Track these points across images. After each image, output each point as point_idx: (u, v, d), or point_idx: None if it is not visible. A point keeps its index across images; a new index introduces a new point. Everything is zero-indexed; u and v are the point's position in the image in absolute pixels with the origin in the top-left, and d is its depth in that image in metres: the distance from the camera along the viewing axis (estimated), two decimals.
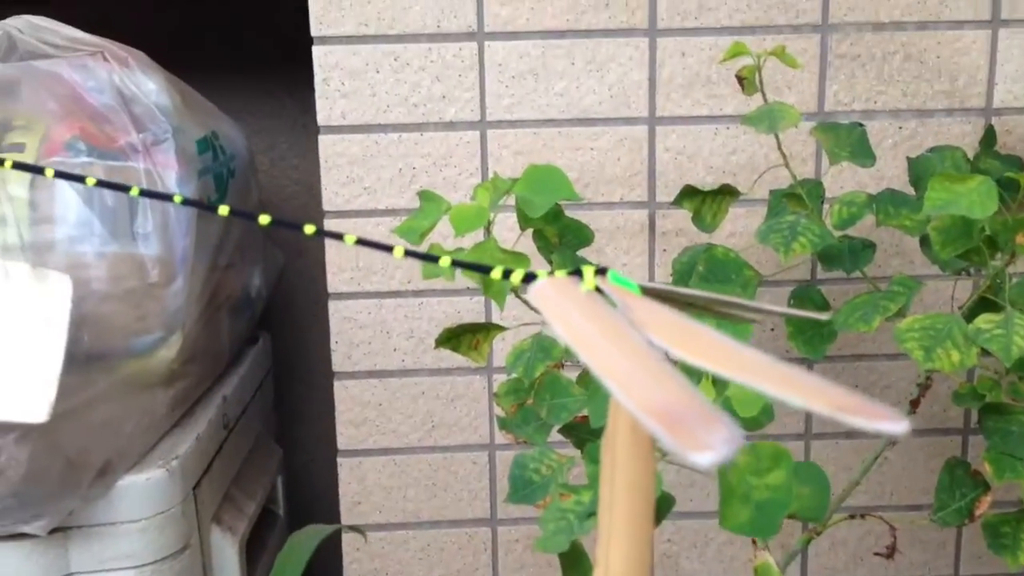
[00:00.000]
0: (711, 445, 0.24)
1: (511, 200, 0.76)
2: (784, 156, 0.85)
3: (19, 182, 0.88)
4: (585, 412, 0.70)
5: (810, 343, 0.87)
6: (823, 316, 0.44)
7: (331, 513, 1.06)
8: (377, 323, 1.00)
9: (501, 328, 0.80)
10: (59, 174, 0.43)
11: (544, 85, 0.97)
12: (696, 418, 0.25)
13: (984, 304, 0.78)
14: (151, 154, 0.93)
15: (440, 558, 1.04)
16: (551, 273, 0.36)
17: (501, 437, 1.02)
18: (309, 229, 0.37)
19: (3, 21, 0.94)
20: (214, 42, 1.33)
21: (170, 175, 0.93)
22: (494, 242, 0.68)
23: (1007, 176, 0.77)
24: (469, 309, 1.00)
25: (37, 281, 0.84)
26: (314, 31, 0.95)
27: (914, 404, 0.84)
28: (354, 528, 0.82)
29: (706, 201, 0.90)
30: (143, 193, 0.50)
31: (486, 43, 0.96)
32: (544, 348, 0.71)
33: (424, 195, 0.75)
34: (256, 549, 1.05)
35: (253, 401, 1.13)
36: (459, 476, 1.03)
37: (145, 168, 0.91)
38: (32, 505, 0.83)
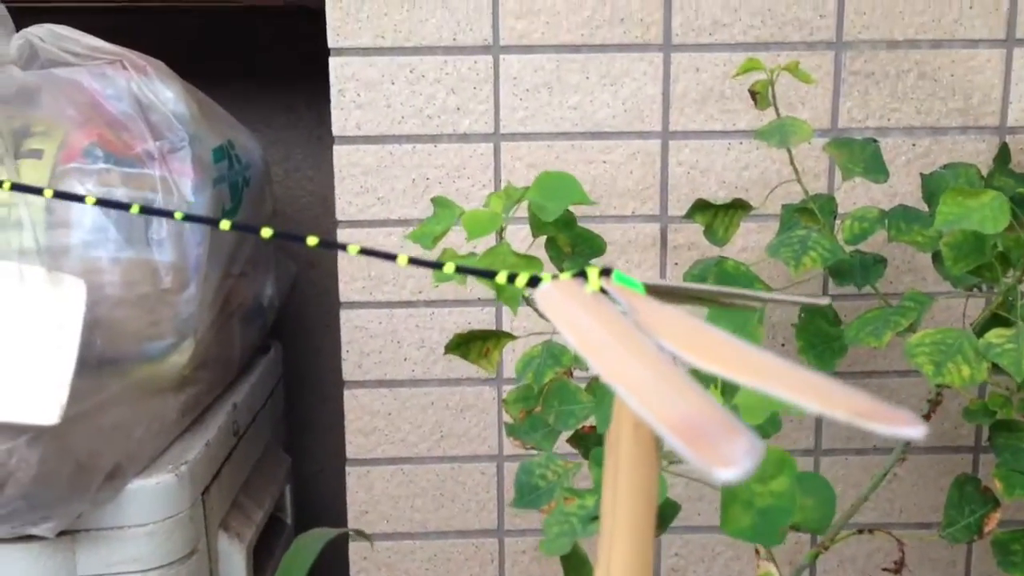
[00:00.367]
0: (734, 459, 0.23)
1: (524, 212, 0.77)
2: (796, 171, 0.85)
3: None
4: (592, 420, 0.70)
5: (821, 357, 0.86)
6: (822, 301, 0.44)
7: (339, 522, 1.05)
8: (388, 332, 1.01)
9: (511, 336, 0.81)
10: (58, 194, 0.43)
11: (558, 98, 0.98)
12: (717, 430, 0.25)
13: (996, 321, 0.78)
14: (167, 161, 0.94)
15: (447, 568, 1.04)
16: (556, 278, 0.36)
17: (510, 448, 1.02)
18: (312, 240, 0.37)
19: (26, 29, 0.95)
20: (232, 54, 1.34)
21: (186, 183, 0.94)
22: (507, 245, 0.68)
23: (1020, 193, 0.77)
24: (480, 320, 1.01)
25: (52, 285, 0.85)
26: (331, 42, 0.96)
27: (925, 418, 0.84)
28: (359, 533, 0.82)
29: (718, 215, 0.90)
30: (143, 211, 0.50)
31: (501, 56, 0.97)
32: (554, 355, 0.71)
33: (437, 201, 0.75)
34: (263, 557, 1.05)
35: (263, 409, 1.13)
36: (467, 487, 1.03)
37: (161, 175, 0.92)
38: (41, 507, 0.83)
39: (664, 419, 0.25)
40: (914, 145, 0.99)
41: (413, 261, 0.36)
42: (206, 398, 0.99)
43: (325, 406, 1.39)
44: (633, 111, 0.98)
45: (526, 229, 0.78)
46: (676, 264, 1.00)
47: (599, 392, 0.67)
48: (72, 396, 0.79)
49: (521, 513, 1.04)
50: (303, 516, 1.26)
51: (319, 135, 1.39)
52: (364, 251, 0.36)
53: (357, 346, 1.01)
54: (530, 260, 0.68)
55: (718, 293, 0.35)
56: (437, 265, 0.36)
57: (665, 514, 0.65)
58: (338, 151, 0.98)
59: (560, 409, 0.68)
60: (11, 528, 0.82)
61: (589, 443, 0.77)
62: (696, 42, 0.97)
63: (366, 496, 1.03)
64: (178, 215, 0.52)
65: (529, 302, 0.80)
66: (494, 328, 1.00)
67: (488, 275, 0.35)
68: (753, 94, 0.84)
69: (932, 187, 0.86)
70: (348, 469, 1.03)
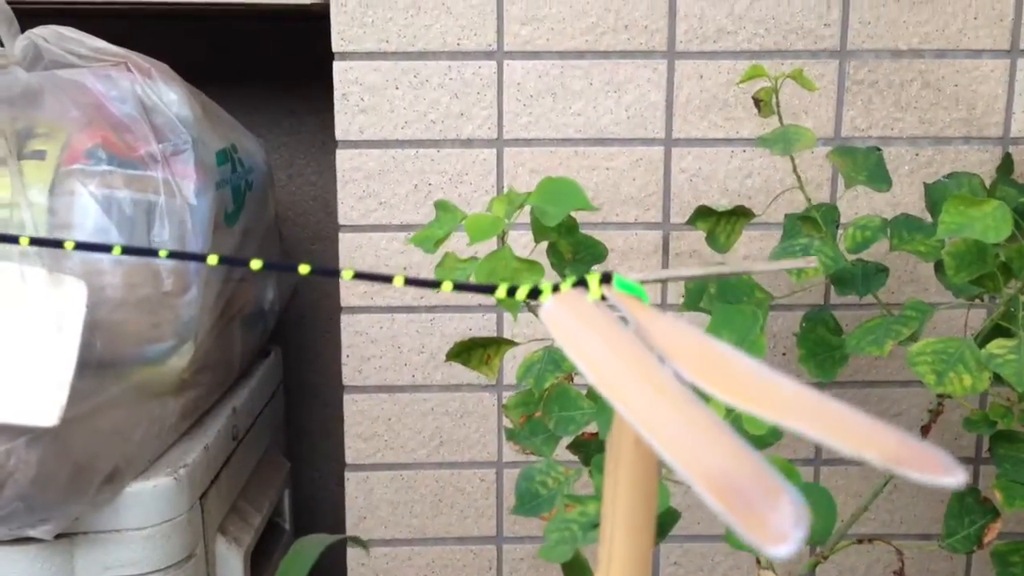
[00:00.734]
0: (783, 531, 0.21)
1: (526, 219, 0.76)
2: (799, 179, 0.85)
3: (39, 188, 0.89)
4: (593, 428, 0.70)
5: (822, 366, 0.86)
6: (809, 263, 0.43)
7: (337, 528, 1.05)
8: (388, 338, 1.00)
9: (512, 343, 0.80)
10: (80, 245, 0.42)
11: (562, 105, 0.98)
12: (758, 492, 0.22)
13: (998, 331, 0.77)
14: (170, 164, 0.94)
15: (445, 575, 1.04)
16: (556, 287, 0.36)
17: (509, 455, 1.02)
18: (304, 269, 0.37)
19: (30, 31, 0.95)
20: (237, 58, 1.34)
21: (188, 185, 0.94)
22: (509, 250, 0.68)
23: (1022, 203, 0.77)
24: (481, 326, 1.00)
25: (53, 286, 0.85)
26: (335, 47, 0.96)
27: (925, 430, 0.84)
28: (356, 540, 0.82)
29: (720, 222, 0.90)
30: (126, 251, 0.49)
31: (505, 62, 0.97)
32: (554, 360, 0.71)
33: (440, 205, 0.75)
34: (261, 562, 1.05)
35: (263, 414, 1.13)
36: (466, 493, 1.03)
37: (164, 178, 0.92)
38: (39, 509, 0.83)
39: (700, 477, 0.23)
40: (917, 155, 0.98)
41: (409, 282, 0.36)
42: (205, 402, 0.99)
43: (325, 412, 1.39)
44: (636, 118, 0.98)
45: (528, 235, 0.78)
46: None
47: (600, 398, 0.67)
48: (71, 398, 0.79)
49: (520, 520, 1.03)
50: (302, 522, 1.26)
51: (323, 140, 1.39)
52: (359, 275, 0.35)
53: (357, 351, 1.01)
54: (532, 265, 0.68)
55: (707, 275, 0.35)
56: (435, 284, 0.36)
57: (665, 522, 0.65)
58: (341, 155, 0.98)
59: (560, 415, 0.67)
60: (9, 530, 0.82)
61: (590, 450, 0.76)
62: (700, 50, 0.97)
63: (365, 502, 1.03)
64: (162, 253, 0.49)
65: (530, 307, 0.80)
66: (495, 334, 1.00)
67: (487, 290, 0.35)
68: (757, 101, 0.84)
69: (935, 196, 0.86)
70: (347, 474, 1.02)
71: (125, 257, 0.90)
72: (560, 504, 0.63)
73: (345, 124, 0.98)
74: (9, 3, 0.96)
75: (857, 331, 0.81)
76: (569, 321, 0.33)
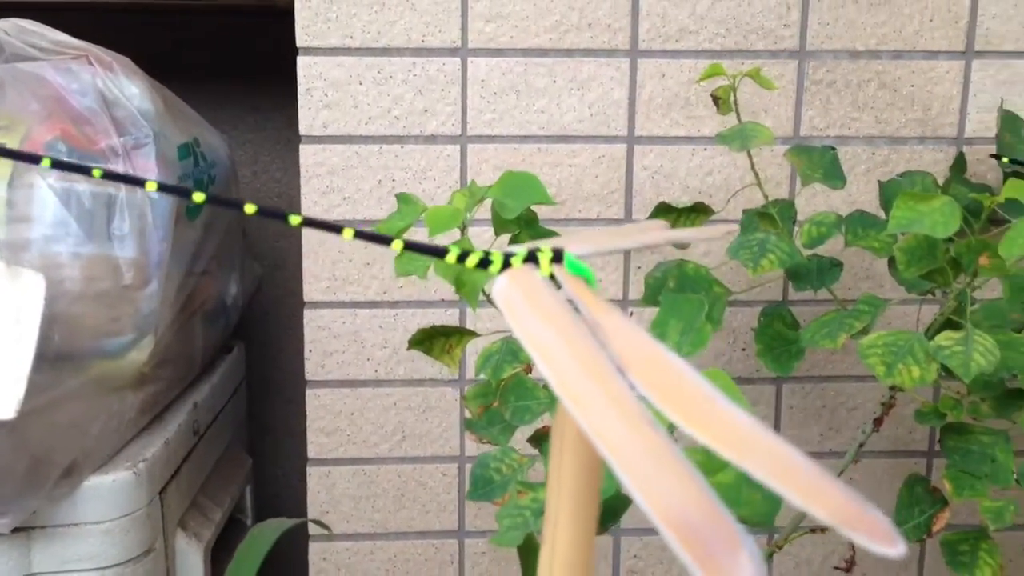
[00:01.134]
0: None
1: (488, 215, 0.77)
2: (756, 176, 0.87)
3: None
4: (549, 418, 0.70)
5: (778, 360, 0.88)
6: (731, 228, 0.44)
7: (299, 525, 1.05)
8: (351, 333, 1.01)
9: (473, 334, 0.81)
10: (108, 175, 0.43)
11: (525, 102, 0.98)
12: (716, 537, 0.22)
13: (949, 326, 0.79)
14: (131, 157, 0.94)
15: (406, 569, 1.04)
16: (508, 258, 0.36)
17: (471, 449, 1.03)
18: (250, 208, 0.37)
19: None
20: (202, 56, 1.34)
21: (150, 179, 0.94)
22: (468, 243, 0.68)
23: (974, 200, 0.79)
24: (444, 320, 1.01)
25: (11, 279, 0.85)
26: (299, 42, 0.96)
27: (877, 422, 0.85)
28: (317, 523, 0.82)
29: (680, 218, 0.91)
30: (162, 188, 0.49)
31: (469, 59, 0.98)
32: (512, 351, 0.72)
33: (401, 197, 0.76)
34: (223, 557, 1.04)
35: (225, 410, 1.12)
36: (428, 487, 1.03)
37: (124, 171, 0.92)
38: None
39: (660, 512, 0.23)
40: (873, 154, 1.00)
41: (359, 234, 0.36)
42: (166, 396, 0.98)
43: (289, 408, 1.38)
44: (599, 115, 0.99)
45: (490, 231, 0.78)
46: (639, 268, 1.01)
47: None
48: (29, 391, 0.78)
49: (481, 514, 1.04)
50: (263, 517, 1.25)
51: (288, 137, 1.39)
52: (307, 221, 0.36)
53: (320, 346, 1.01)
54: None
55: (643, 246, 0.36)
56: (386, 240, 0.36)
57: (616, 507, 0.66)
58: (304, 150, 0.99)
59: (516, 404, 0.68)
60: None
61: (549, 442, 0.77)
62: (662, 49, 0.98)
63: (327, 496, 1.03)
64: (150, 185, 0.50)
65: (491, 300, 0.81)
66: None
67: (438, 252, 0.35)
68: (715, 99, 0.85)
69: (889, 194, 0.88)
70: (309, 469, 1.02)
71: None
72: (513, 491, 0.63)
73: (309, 119, 0.98)
74: None
75: (812, 325, 0.82)
76: (522, 306, 0.33)
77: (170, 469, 0.93)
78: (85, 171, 0.40)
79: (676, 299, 0.62)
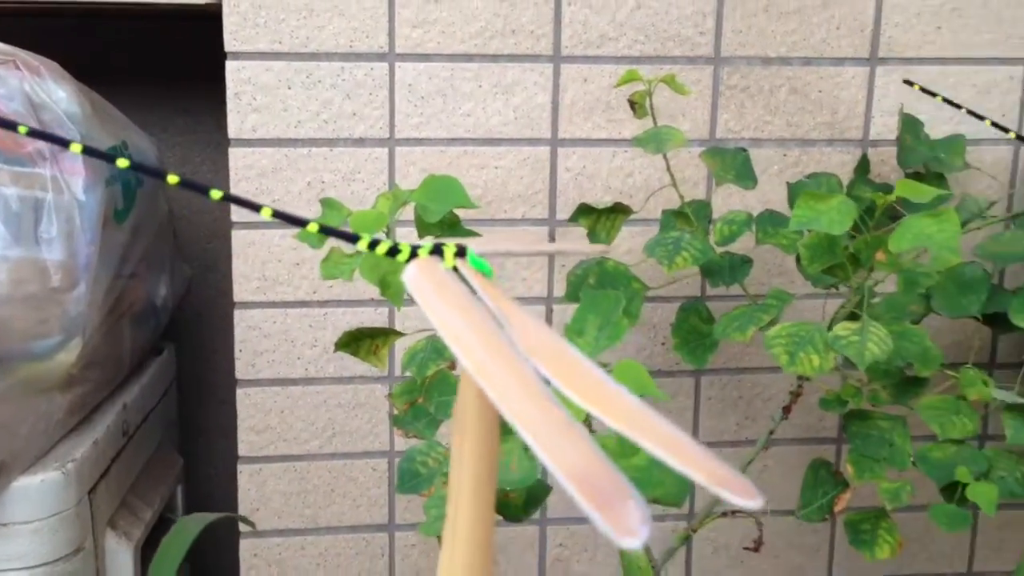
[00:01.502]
0: (634, 528, 0.25)
1: (413, 217, 0.79)
2: (672, 177, 0.90)
3: None
4: None
5: (693, 353, 0.92)
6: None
7: (231, 522, 1.06)
8: (281, 332, 1.02)
9: (399, 334, 0.83)
10: (135, 166, 0.44)
11: (452, 105, 1.01)
12: (613, 492, 0.26)
13: (853, 319, 0.84)
14: (59, 160, 0.94)
15: (337, 563, 1.06)
16: (415, 250, 0.39)
17: (401, 444, 1.05)
18: (172, 179, 0.39)
19: None
20: (131, 59, 1.34)
21: (77, 181, 0.94)
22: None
23: (874, 200, 0.84)
24: (374, 320, 1.03)
25: None
26: (228, 46, 0.98)
27: (786, 410, 0.89)
28: (242, 519, 0.84)
29: (600, 218, 0.94)
30: (133, 167, 0.50)
31: (397, 64, 1.00)
32: (437, 349, 0.74)
33: (326, 202, 0.78)
34: (151, 556, 1.05)
35: (155, 410, 1.13)
36: (358, 483, 1.05)
37: (52, 175, 0.92)
38: None
39: (565, 471, 0.26)
40: (785, 155, 1.05)
41: (277, 214, 0.38)
42: (95, 397, 0.99)
43: (222, 409, 1.39)
44: (524, 119, 1.02)
45: (415, 233, 0.81)
46: (563, 266, 1.04)
47: None
48: None
49: (411, 508, 1.06)
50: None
51: (218, 140, 1.39)
52: (227, 197, 0.38)
53: (250, 345, 1.02)
54: None
55: (540, 252, 0.39)
56: (303, 222, 0.39)
57: (538, 495, 0.69)
58: (234, 153, 1.00)
59: (440, 400, 0.71)
60: None
61: None
62: (584, 54, 1.02)
63: (258, 493, 1.04)
64: (122, 162, 0.51)
65: (415, 301, 0.83)
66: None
67: (351, 238, 0.38)
68: (632, 104, 0.89)
69: (796, 194, 0.92)
70: (240, 467, 1.04)
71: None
72: (439, 482, 0.66)
73: (238, 123, 0.99)
74: None
75: (724, 319, 0.86)
76: (430, 290, 0.36)
77: (99, 469, 0.94)
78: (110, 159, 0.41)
79: (594, 295, 0.65)
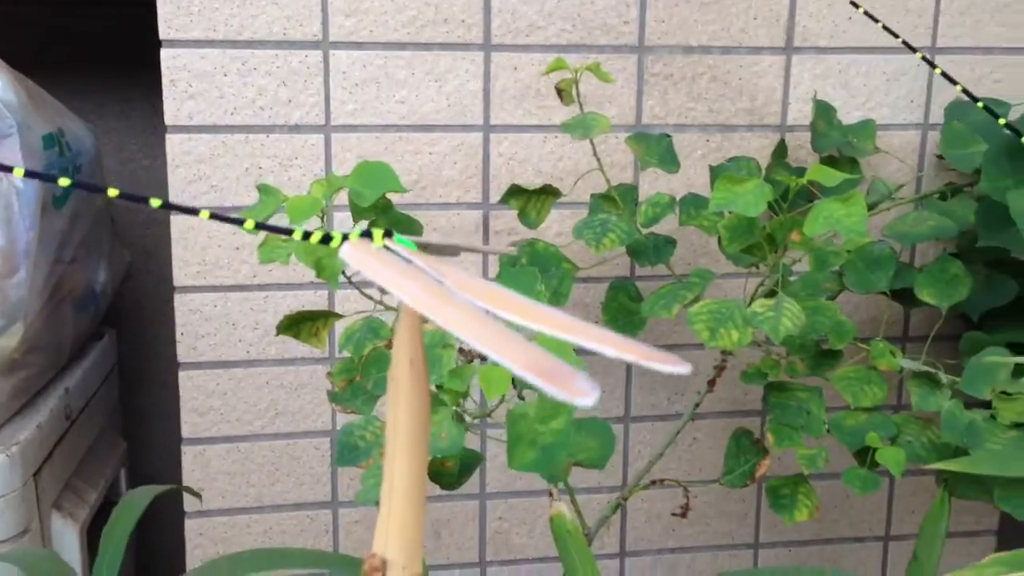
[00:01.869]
0: (585, 390, 0.30)
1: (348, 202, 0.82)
2: (599, 162, 0.94)
3: None
4: None
5: (623, 330, 0.96)
6: (511, 250, 0.51)
7: (175, 503, 1.08)
8: (222, 315, 1.04)
9: (338, 316, 0.86)
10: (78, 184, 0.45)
11: (386, 93, 1.04)
12: (562, 372, 0.31)
13: (771, 296, 0.89)
14: None
15: (282, 540, 1.09)
16: (345, 236, 0.42)
17: (342, 423, 1.08)
18: (112, 192, 0.42)
19: None
20: (66, 46, 1.34)
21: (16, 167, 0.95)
22: (325, 228, 0.74)
23: (789, 183, 0.88)
24: (313, 303, 1.06)
25: None
26: (162, 34, 0.99)
27: (711, 384, 0.94)
28: (188, 490, 0.86)
29: (531, 200, 0.98)
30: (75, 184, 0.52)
31: (331, 52, 1.02)
32: (373, 329, 0.77)
33: (262, 188, 0.80)
34: (98, 539, 1.07)
35: (97, 394, 1.14)
36: (301, 461, 1.08)
37: None
38: None
39: (517, 361, 0.31)
40: (708, 140, 1.10)
41: (214, 216, 0.41)
42: (37, 382, 1.00)
43: (163, 393, 1.40)
44: (456, 106, 1.05)
45: (351, 218, 0.83)
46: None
47: None
48: None
49: (354, 485, 1.09)
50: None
51: (154, 125, 1.40)
52: (166, 205, 0.41)
53: (192, 329, 1.04)
54: None
55: (451, 247, 0.43)
56: (239, 221, 0.41)
57: (469, 463, 0.72)
58: (171, 140, 1.01)
59: (378, 376, 0.74)
60: None
61: None
62: (514, 43, 1.05)
63: (202, 474, 1.06)
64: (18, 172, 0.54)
65: (352, 283, 0.86)
66: (324, 308, 1.06)
67: (285, 231, 0.41)
68: (559, 91, 0.93)
69: (717, 178, 0.97)
70: (184, 448, 1.06)
71: None
72: (376, 454, 0.69)
73: (174, 110, 1.01)
74: None
75: (651, 298, 0.90)
76: (368, 259, 0.40)
77: (43, 452, 0.96)
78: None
79: (513, 272, 0.69)
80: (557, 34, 1.05)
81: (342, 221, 1.01)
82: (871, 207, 1.04)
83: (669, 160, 0.96)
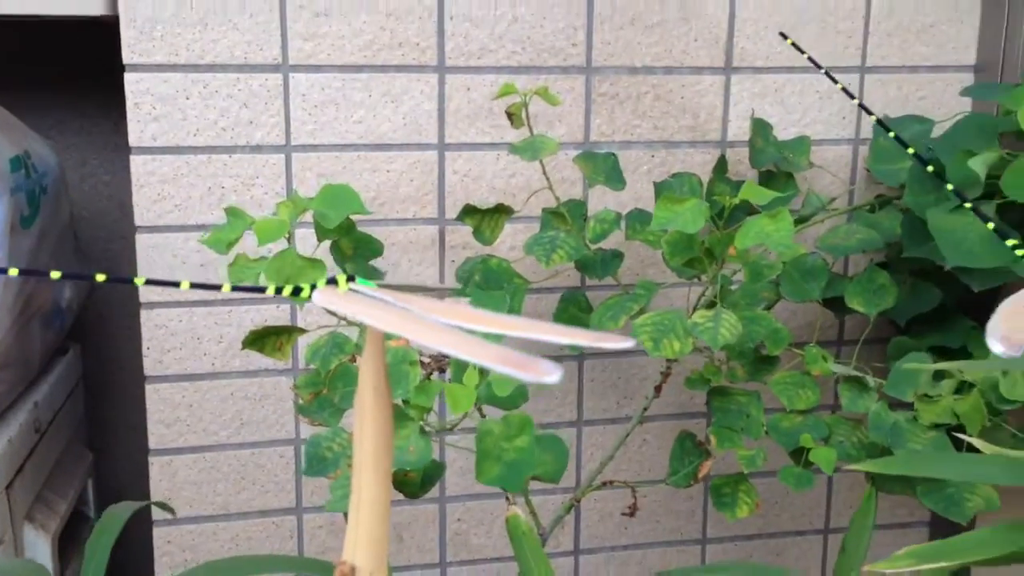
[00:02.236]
0: (550, 371, 0.35)
1: (311, 221, 0.86)
2: (548, 180, 1.00)
3: None
4: None
5: None
6: (448, 287, 0.57)
7: (143, 512, 1.11)
8: (188, 330, 1.08)
9: (302, 331, 0.90)
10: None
11: (344, 113, 1.08)
12: (526, 361, 0.36)
13: (711, 307, 0.94)
14: None
15: (248, 546, 1.13)
16: (314, 286, 0.47)
17: (306, 432, 1.12)
18: (100, 277, 0.46)
19: None
20: (24, 64, 1.36)
21: None
22: (293, 251, 0.78)
23: (724, 203, 0.94)
24: (276, 317, 1.09)
25: None
26: (126, 59, 1.02)
27: (658, 389, 1.00)
28: (162, 505, 0.90)
29: (485, 218, 1.03)
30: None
31: (290, 75, 1.06)
32: (338, 344, 0.82)
33: (230, 211, 0.84)
34: (69, 548, 1.10)
35: (64, 408, 1.17)
36: (266, 470, 1.12)
37: None
38: None
39: (490, 359, 0.37)
40: (653, 156, 1.15)
41: (195, 285, 0.45)
42: (7, 397, 1.03)
43: (127, 405, 1.43)
44: (412, 125, 1.10)
45: (314, 234, 0.88)
46: (453, 262, 1.13)
47: None
48: None
49: (317, 491, 1.13)
50: (106, 508, 1.30)
51: (115, 142, 1.42)
52: (150, 281, 0.45)
53: (158, 343, 1.07)
54: (314, 263, 0.78)
55: (413, 287, 0.47)
56: (216, 287, 0.46)
57: (431, 474, 0.77)
58: (135, 161, 1.05)
59: (344, 390, 0.78)
60: None
61: None
62: (467, 65, 1.10)
63: (169, 483, 1.10)
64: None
65: (298, 300, 0.90)
66: (289, 323, 1.10)
67: (258, 290, 0.45)
68: (510, 115, 0.98)
69: (662, 192, 1.03)
70: (151, 459, 1.09)
71: None
72: (343, 465, 0.74)
73: (138, 131, 1.04)
74: None
75: (599, 309, 0.96)
76: (339, 300, 0.44)
77: (15, 466, 0.99)
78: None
79: (482, 295, 0.74)
80: (508, 56, 1.10)
81: (304, 237, 1.06)
82: (806, 219, 1.10)
83: (615, 178, 1.01)
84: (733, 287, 0.97)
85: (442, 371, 0.87)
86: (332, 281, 0.44)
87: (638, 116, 1.14)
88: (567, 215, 1.00)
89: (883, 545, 1.28)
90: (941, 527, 1.33)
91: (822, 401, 1.01)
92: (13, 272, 0.43)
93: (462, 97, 1.10)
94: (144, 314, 1.07)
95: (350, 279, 0.44)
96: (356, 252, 0.88)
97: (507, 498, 0.78)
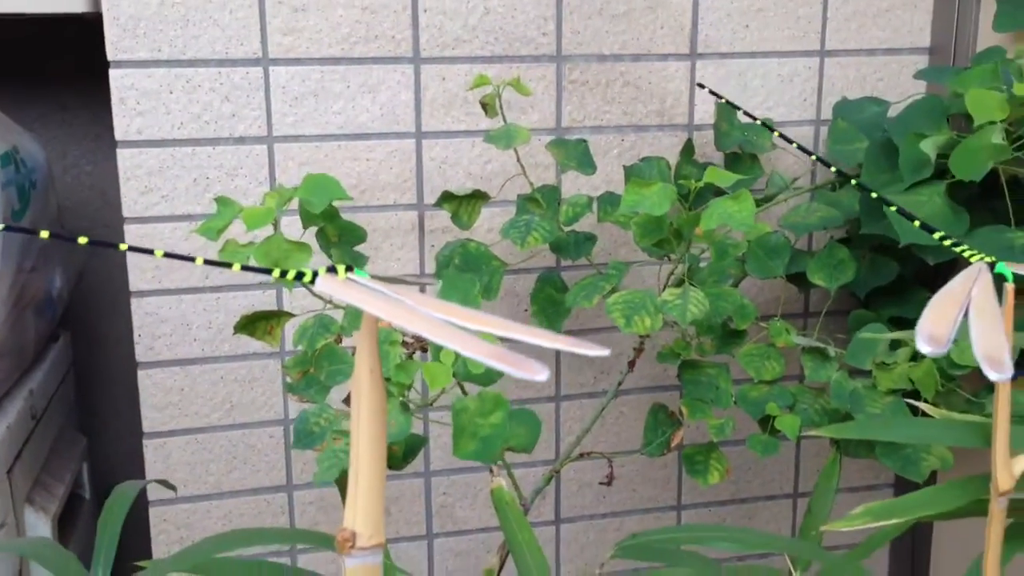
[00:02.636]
0: (539, 370, 0.39)
1: (297, 208, 0.90)
2: (522, 167, 1.04)
3: None
4: None
5: (549, 319, 1.06)
6: (432, 281, 0.61)
7: (138, 493, 1.15)
8: (178, 317, 1.12)
9: (290, 315, 0.94)
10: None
11: (324, 105, 1.12)
12: (518, 359, 0.40)
13: (680, 284, 0.99)
14: None
15: (241, 523, 1.17)
16: (315, 272, 0.51)
17: (295, 412, 1.16)
18: (82, 239, 0.50)
19: None
20: (6, 58, 1.38)
21: None
22: (280, 236, 0.82)
23: (690, 186, 0.99)
24: (263, 302, 1.13)
25: None
26: (110, 55, 1.05)
27: (631, 364, 1.05)
28: (163, 483, 0.94)
29: (462, 204, 1.07)
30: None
31: (271, 68, 1.10)
32: (324, 325, 0.86)
33: (220, 200, 0.88)
34: (67, 529, 1.14)
35: (57, 394, 1.21)
36: (257, 449, 1.16)
37: None
38: None
39: (485, 355, 0.41)
40: (623, 140, 1.20)
41: (208, 262, 0.50)
42: (4, 386, 1.06)
43: (116, 390, 1.47)
44: (390, 115, 1.13)
45: (299, 221, 0.92)
46: (432, 246, 1.17)
47: None
48: None
49: (307, 469, 1.18)
50: (101, 491, 1.34)
51: (96, 133, 1.45)
52: (167, 254, 0.49)
53: (149, 330, 1.11)
54: (300, 246, 0.82)
55: (392, 279, 0.52)
56: (226, 265, 0.50)
57: (413, 446, 0.82)
58: (121, 154, 1.08)
59: (330, 368, 0.83)
60: None
61: None
62: (441, 55, 1.13)
63: (163, 465, 1.14)
64: None
65: (303, 284, 0.94)
66: (275, 307, 1.14)
67: (265, 271, 0.50)
68: (484, 105, 1.02)
69: (631, 176, 1.07)
70: (145, 442, 1.13)
71: None
72: (329, 438, 0.78)
73: (124, 126, 1.07)
74: None
75: (574, 289, 1.00)
76: (339, 286, 0.49)
77: (14, 451, 1.02)
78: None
79: (453, 277, 0.78)
80: (481, 47, 1.14)
81: (288, 224, 1.09)
82: (770, 199, 1.15)
83: (586, 163, 1.06)
84: (702, 265, 1.02)
85: (424, 351, 0.91)
86: (332, 270, 0.49)
87: (608, 102, 1.18)
88: (541, 200, 1.04)
89: (849, 506, 1.33)
90: (905, 489, 1.39)
91: (788, 372, 1.07)
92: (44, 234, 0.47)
93: (438, 87, 1.14)
94: (135, 302, 1.11)
95: (348, 269, 0.48)
96: (341, 239, 0.92)
97: (491, 470, 0.83)
